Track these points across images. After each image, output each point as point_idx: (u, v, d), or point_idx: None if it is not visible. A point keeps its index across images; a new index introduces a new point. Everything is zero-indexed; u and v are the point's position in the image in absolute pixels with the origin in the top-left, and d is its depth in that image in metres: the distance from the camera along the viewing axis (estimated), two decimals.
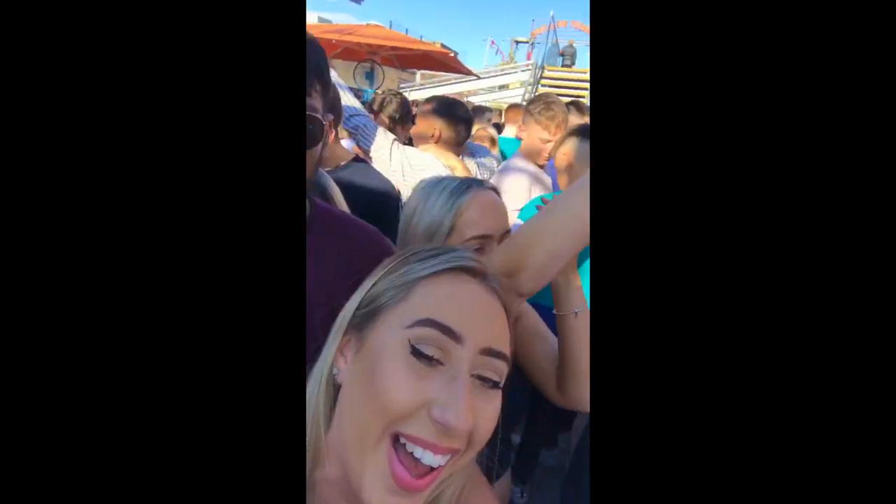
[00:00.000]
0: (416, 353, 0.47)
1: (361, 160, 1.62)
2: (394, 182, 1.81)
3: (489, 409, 0.48)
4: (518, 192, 1.97)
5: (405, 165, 1.78)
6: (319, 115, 0.68)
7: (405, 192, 1.78)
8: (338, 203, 1.15)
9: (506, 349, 0.51)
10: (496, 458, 0.58)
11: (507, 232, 0.93)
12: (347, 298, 0.55)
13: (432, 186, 0.95)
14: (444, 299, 0.50)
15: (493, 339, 0.50)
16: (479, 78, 7.83)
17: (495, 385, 0.49)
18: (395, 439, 0.46)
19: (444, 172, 1.87)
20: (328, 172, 1.54)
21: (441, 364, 0.47)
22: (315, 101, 0.68)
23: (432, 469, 0.46)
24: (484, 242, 0.91)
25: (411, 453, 0.46)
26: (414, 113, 2.39)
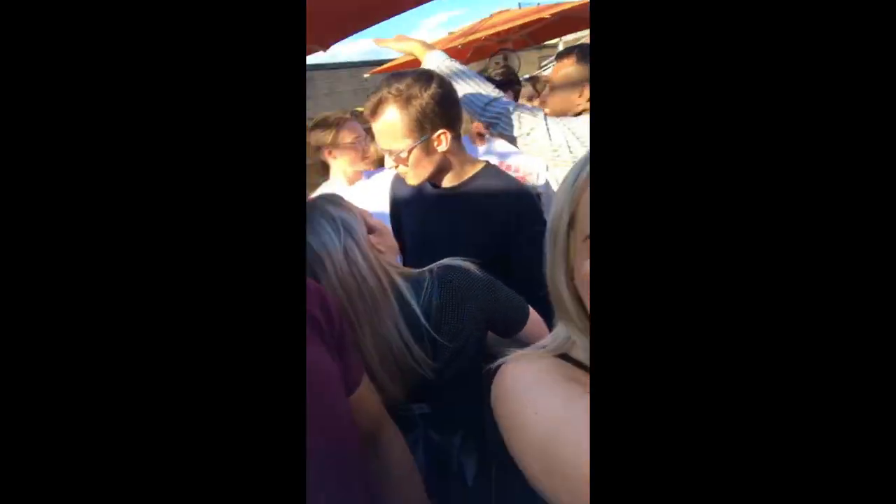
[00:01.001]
0: None
1: (492, 166, 1.42)
2: (562, 161, 1.47)
3: None
4: None
5: (569, 138, 1.42)
6: None
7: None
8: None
9: None
10: None
11: None
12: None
13: (574, 166, 0.63)
14: None
15: None
16: None
17: None
18: None
19: None
20: (454, 187, 1.37)
21: None
22: None
23: None
24: None
25: None
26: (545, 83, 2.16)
